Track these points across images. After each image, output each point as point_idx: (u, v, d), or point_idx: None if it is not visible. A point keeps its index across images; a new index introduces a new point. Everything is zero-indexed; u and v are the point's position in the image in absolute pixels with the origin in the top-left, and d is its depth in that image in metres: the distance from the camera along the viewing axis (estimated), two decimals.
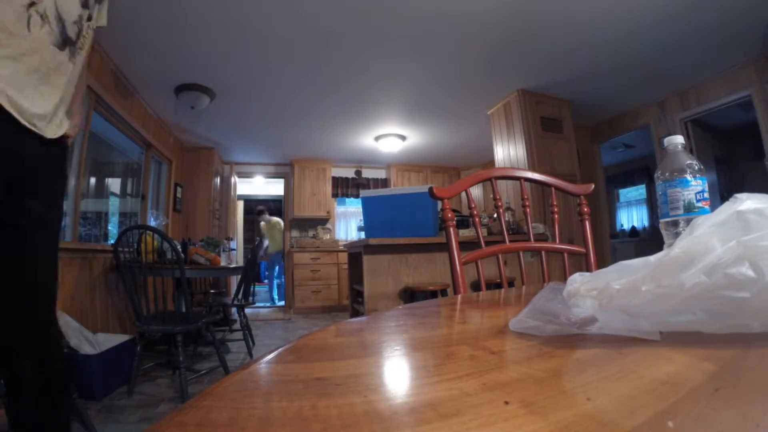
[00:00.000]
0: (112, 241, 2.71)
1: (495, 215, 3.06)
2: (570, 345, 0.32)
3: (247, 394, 0.25)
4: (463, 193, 1.07)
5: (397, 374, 0.31)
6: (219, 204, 5.52)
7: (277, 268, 6.75)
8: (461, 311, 0.60)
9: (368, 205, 2.64)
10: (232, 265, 3.21)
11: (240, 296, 3.07)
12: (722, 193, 4.47)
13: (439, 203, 1.07)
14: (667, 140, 0.63)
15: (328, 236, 5.90)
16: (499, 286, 1.06)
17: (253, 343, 3.33)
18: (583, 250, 1.15)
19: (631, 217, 7.06)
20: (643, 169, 6.42)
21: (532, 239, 1.15)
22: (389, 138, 4.99)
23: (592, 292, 0.34)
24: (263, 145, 5.31)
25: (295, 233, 6.15)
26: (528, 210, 1.18)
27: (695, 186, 0.58)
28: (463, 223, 2.85)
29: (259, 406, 0.23)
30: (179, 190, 4.72)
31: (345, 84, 3.56)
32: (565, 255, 1.15)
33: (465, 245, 1.99)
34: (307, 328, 4.29)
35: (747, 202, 0.32)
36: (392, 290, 2.56)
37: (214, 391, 0.25)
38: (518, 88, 3.75)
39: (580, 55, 3.16)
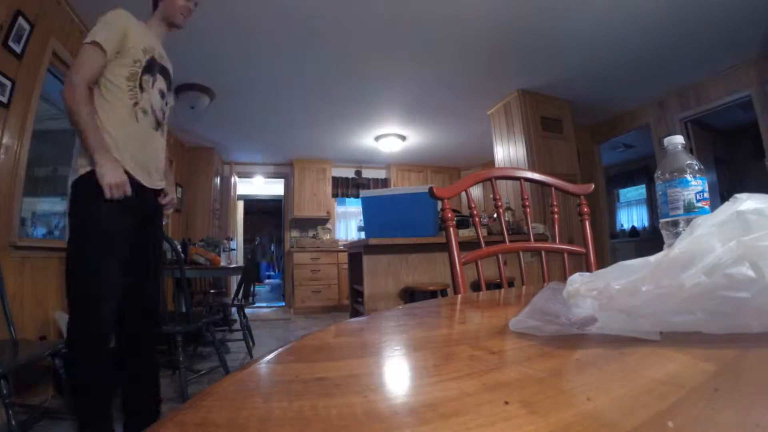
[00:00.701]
0: None
1: (495, 215, 3.06)
2: (570, 345, 0.32)
3: (247, 394, 0.25)
4: (463, 193, 1.07)
5: (397, 374, 0.31)
6: (219, 204, 5.52)
7: None
8: (461, 311, 0.60)
9: (368, 205, 2.64)
10: (232, 265, 3.21)
11: (240, 296, 3.07)
12: (722, 193, 4.47)
13: (439, 203, 1.07)
14: (667, 140, 0.63)
15: (328, 236, 5.89)
16: (499, 286, 1.06)
17: (253, 343, 3.32)
18: (583, 250, 1.15)
19: (631, 217, 7.06)
20: (643, 169, 6.42)
21: (532, 239, 1.15)
22: (389, 138, 4.99)
23: (592, 293, 0.34)
24: (263, 145, 5.31)
25: (295, 233, 6.15)
26: (528, 210, 1.18)
27: (695, 186, 0.58)
28: (463, 223, 2.85)
29: (259, 406, 0.23)
30: (179, 190, 4.72)
31: (345, 84, 3.55)
32: (565, 255, 1.15)
33: (465, 245, 1.99)
34: (307, 328, 4.29)
35: (747, 202, 0.32)
36: (392, 290, 2.55)
37: (214, 391, 0.25)
38: (518, 88, 3.75)
39: (580, 55, 3.16)
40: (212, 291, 4.44)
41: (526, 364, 0.29)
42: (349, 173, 6.28)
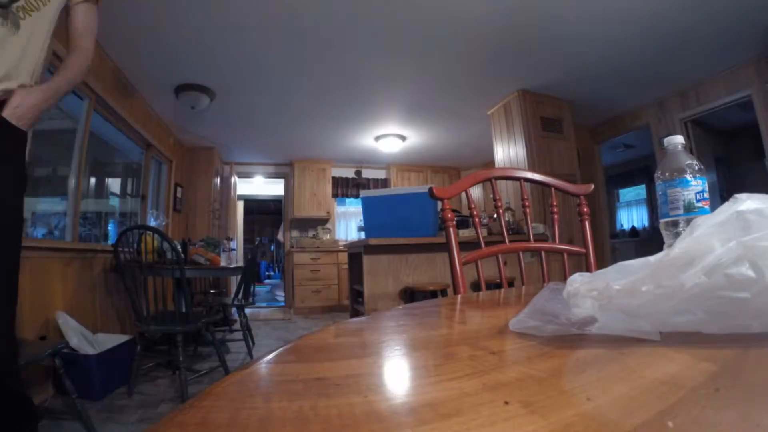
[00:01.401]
0: (112, 241, 2.71)
1: (495, 215, 3.06)
2: (570, 345, 0.32)
3: (247, 394, 0.25)
4: (463, 194, 1.07)
5: (397, 374, 0.31)
6: (219, 204, 5.52)
7: None
8: (461, 311, 0.60)
9: (368, 205, 2.64)
10: (232, 265, 3.21)
11: (240, 296, 3.07)
12: (722, 193, 4.47)
13: (439, 203, 1.07)
14: (667, 140, 0.63)
15: (328, 236, 5.89)
16: (499, 286, 1.06)
17: (253, 343, 3.33)
18: (582, 250, 1.15)
19: (631, 217, 7.06)
20: (643, 169, 6.42)
21: (532, 239, 1.15)
22: (389, 138, 4.99)
23: (592, 293, 0.34)
24: (263, 145, 5.31)
25: (295, 233, 6.15)
26: (528, 210, 1.18)
27: (695, 186, 0.58)
28: (463, 223, 2.85)
29: (259, 406, 0.23)
30: (179, 190, 4.72)
31: (345, 84, 3.55)
32: (565, 255, 1.15)
33: (465, 245, 1.99)
34: (307, 328, 4.29)
35: (747, 202, 0.32)
36: (392, 290, 2.56)
37: (214, 391, 0.25)
38: (518, 88, 3.75)
39: (580, 55, 3.16)
40: (212, 291, 4.45)
41: (526, 364, 0.29)
42: (349, 173, 6.28)
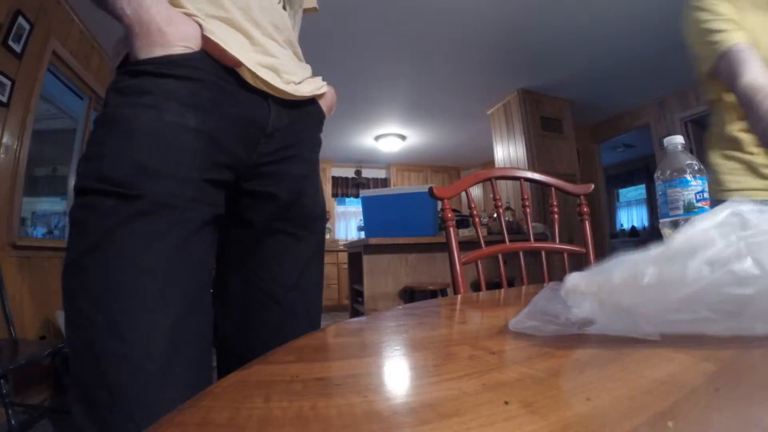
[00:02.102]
0: None
1: (495, 215, 3.06)
2: (570, 345, 0.32)
3: (247, 394, 0.25)
4: (463, 193, 1.07)
5: (397, 374, 0.31)
6: None
7: None
8: (461, 311, 0.60)
9: (368, 205, 2.64)
10: None
11: None
12: None
13: (439, 203, 1.07)
14: (667, 140, 0.63)
15: (327, 236, 5.89)
16: (499, 286, 1.06)
17: None
18: (583, 250, 1.15)
19: (631, 217, 7.06)
20: (643, 169, 6.42)
21: (532, 239, 1.15)
22: (389, 138, 4.99)
23: (592, 288, 0.34)
24: None
25: None
26: (528, 210, 1.18)
27: (695, 186, 0.58)
28: (463, 222, 2.85)
29: (259, 406, 0.23)
30: None
31: (345, 84, 3.55)
32: (565, 255, 1.15)
33: (465, 245, 1.99)
34: None
35: (741, 206, 0.32)
36: (392, 290, 2.55)
37: (214, 391, 0.25)
38: (518, 88, 3.75)
39: (580, 55, 3.16)
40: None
41: (526, 364, 0.29)
42: (349, 173, 6.28)
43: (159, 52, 0.54)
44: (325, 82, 0.87)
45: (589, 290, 0.35)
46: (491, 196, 1.25)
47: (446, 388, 0.24)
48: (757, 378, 0.24)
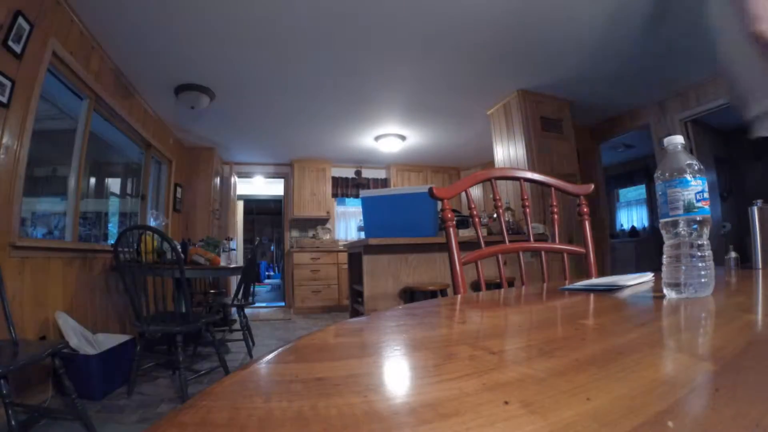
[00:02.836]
0: (112, 241, 2.72)
1: (495, 215, 3.06)
2: (570, 345, 0.32)
3: (247, 394, 0.25)
4: (463, 194, 1.07)
5: (397, 374, 0.31)
6: (219, 204, 5.52)
7: None
8: (461, 311, 0.60)
9: (368, 205, 2.64)
10: (232, 266, 3.21)
11: (240, 296, 3.07)
12: (722, 193, 4.47)
13: (439, 203, 1.07)
14: (667, 140, 0.63)
15: (328, 236, 5.89)
16: (499, 286, 1.06)
17: (253, 343, 3.33)
18: (582, 250, 1.15)
19: (631, 217, 7.06)
20: (643, 169, 6.42)
21: (531, 239, 1.15)
22: (389, 138, 4.99)
23: None
24: (263, 145, 5.31)
25: (295, 233, 6.15)
26: (528, 210, 1.18)
27: (695, 186, 0.58)
28: (463, 223, 2.85)
29: (259, 406, 0.23)
30: (179, 190, 4.72)
31: (345, 84, 3.55)
32: (565, 255, 1.15)
33: (465, 245, 1.99)
34: (307, 328, 4.29)
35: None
36: (392, 290, 2.56)
37: (214, 391, 0.25)
38: (518, 88, 3.75)
39: (580, 55, 3.16)
40: (212, 291, 4.45)
41: (526, 364, 0.29)
42: (349, 173, 6.28)
43: None
44: None
45: None
46: (491, 196, 1.25)
47: (446, 388, 0.24)
48: (757, 378, 0.24)
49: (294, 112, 4.18)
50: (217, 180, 5.48)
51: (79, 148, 2.70)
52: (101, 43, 2.74)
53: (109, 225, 3.71)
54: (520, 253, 1.14)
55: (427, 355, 0.34)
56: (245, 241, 8.52)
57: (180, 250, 2.39)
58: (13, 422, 1.31)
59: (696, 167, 0.59)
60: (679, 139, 0.62)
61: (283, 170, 6.18)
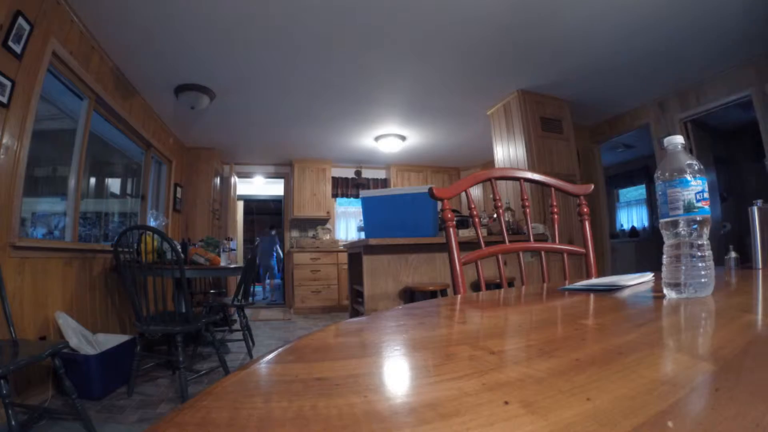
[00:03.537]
0: (113, 242, 2.72)
1: (495, 215, 3.06)
2: (570, 345, 0.32)
3: (247, 394, 0.25)
4: (463, 194, 1.07)
5: (397, 374, 0.31)
6: (219, 204, 5.52)
7: None
8: (461, 311, 0.60)
9: (368, 206, 2.64)
10: (232, 266, 3.21)
11: (240, 296, 3.07)
12: (722, 193, 4.47)
13: (439, 203, 1.07)
14: (667, 140, 0.63)
15: (327, 236, 5.89)
16: (498, 286, 1.06)
17: (253, 343, 3.33)
18: (582, 250, 1.15)
19: (631, 217, 7.06)
20: (642, 169, 6.41)
21: (531, 239, 1.15)
22: (389, 138, 4.99)
23: None
24: (263, 145, 5.31)
25: (295, 233, 6.14)
26: (528, 210, 1.18)
27: (695, 186, 0.58)
28: (462, 223, 2.85)
29: (259, 406, 0.23)
30: (179, 190, 4.72)
31: (345, 84, 3.55)
32: (565, 255, 1.15)
33: (465, 245, 1.99)
34: (307, 328, 4.29)
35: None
36: (392, 290, 2.56)
37: (214, 391, 0.25)
38: (518, 88, 3.75)
39: (580, 55, 3.16)
40: (212, 291, 4.45)
41: (526, 364, 0.29)
42: (349, 173, 6.28)
43: None
44: None
45: None
46: (491, 196, 1.25)
47: (446, 388, 0.24)
48: (757, 378, 0.24)
49: (294, 112, 4.18)
50: (217, 180, 5.48)
51: (79, 148, 2.70)
52: (101, 43, 2.74)
53: (109, 225, 3.71)
54: (520, 253, 1.14)
55: (427, 355, 0.34)
56: (245, 241, 8.52)
57: (180, 250, 2.39)
58: (13, 422, 1.31)
59: (696, 167, 0.59)
60: (679, 139, 0.62)
61: (283, 170, 6.18)
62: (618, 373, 0.26)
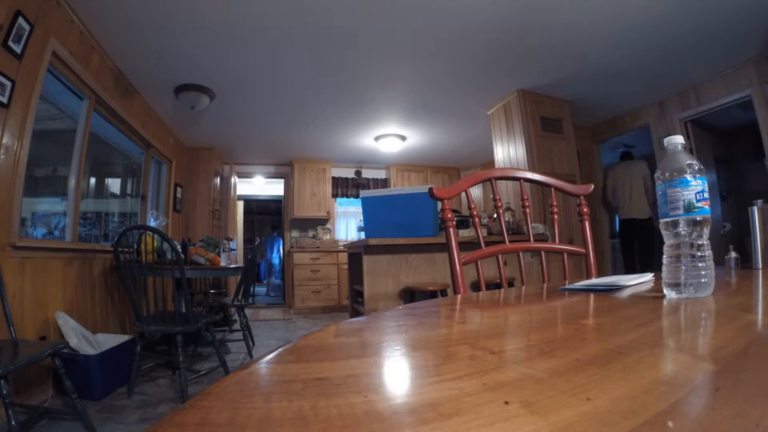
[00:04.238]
0: (113, 242, 2.71)
1: (495, 215, 3.06)
2: (570, 345, 0.32)
3: (247, 394, 0.25)
4: (463, 194, 1.07)
5: (397, 374, 0.31)
6: (219, 204, 5.52)
7: None
8: (461, 311, 0.60)
9: (368, 206, 2.64)
10: (232, 266, 3.21)
11: (240, 296, 3.07)
12: (722, 193, 4.47)
13: (439, 203, 1.07)
14: (667, 140, 0.63)
15: (328, 236, 5.89)
16: (498, 286, 1.06)
17: (253, 343, 3.33)
18: (582, 250, 1.15)
19: None
20: None
21: (531, 239, 1.15)
22: (389, 138, 4.99)
23: None
24: (263, 145, 5.31)
25: (295, 233, 6.14)
26: (528, 210, 1.18)
27: (695, 186, 0.58)
28: (463, 223, 2.85)
29: (259, 406, 0.23)
30: (179, 190, 4.72)
31: (345, 84, 3.55)
32: (565, 255, 1.15)
33: (465, 245, 1.99)
34: (307, 328, 4.29)
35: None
36: (392, 290, 2.55)
37: (214, 391, 0.25)
38: (518, 88, 3.75)
39: (580, 55, 3.16)
40: (212, 291, 4.45)
41: (526, 364, 0.29)
42: (349, 173, 6.28)
43: None
44: None
45: None
46: (491, 196, 1.25)
47: (446, 388, 0.24)
48: (757, 378, 0.24)
49: (294, 112, 4.18)
50: (217, 180, 5.48)
51: (79, 148, 2.70)
52: (101, 43, 2.74)
53: (109, 225, 3.71)
54: (520, 253, 1.14)
55: (427, 355, 0.34)
56: (245, 241, 8.52)
57: (180, 250, 2.39)
58: (13, 422, 1.31)
59: (696, 167, 0.59)
60: (679, 139, 0.62)
61: (283, 170, 6.18)
62: (618, 373, 0.26)
